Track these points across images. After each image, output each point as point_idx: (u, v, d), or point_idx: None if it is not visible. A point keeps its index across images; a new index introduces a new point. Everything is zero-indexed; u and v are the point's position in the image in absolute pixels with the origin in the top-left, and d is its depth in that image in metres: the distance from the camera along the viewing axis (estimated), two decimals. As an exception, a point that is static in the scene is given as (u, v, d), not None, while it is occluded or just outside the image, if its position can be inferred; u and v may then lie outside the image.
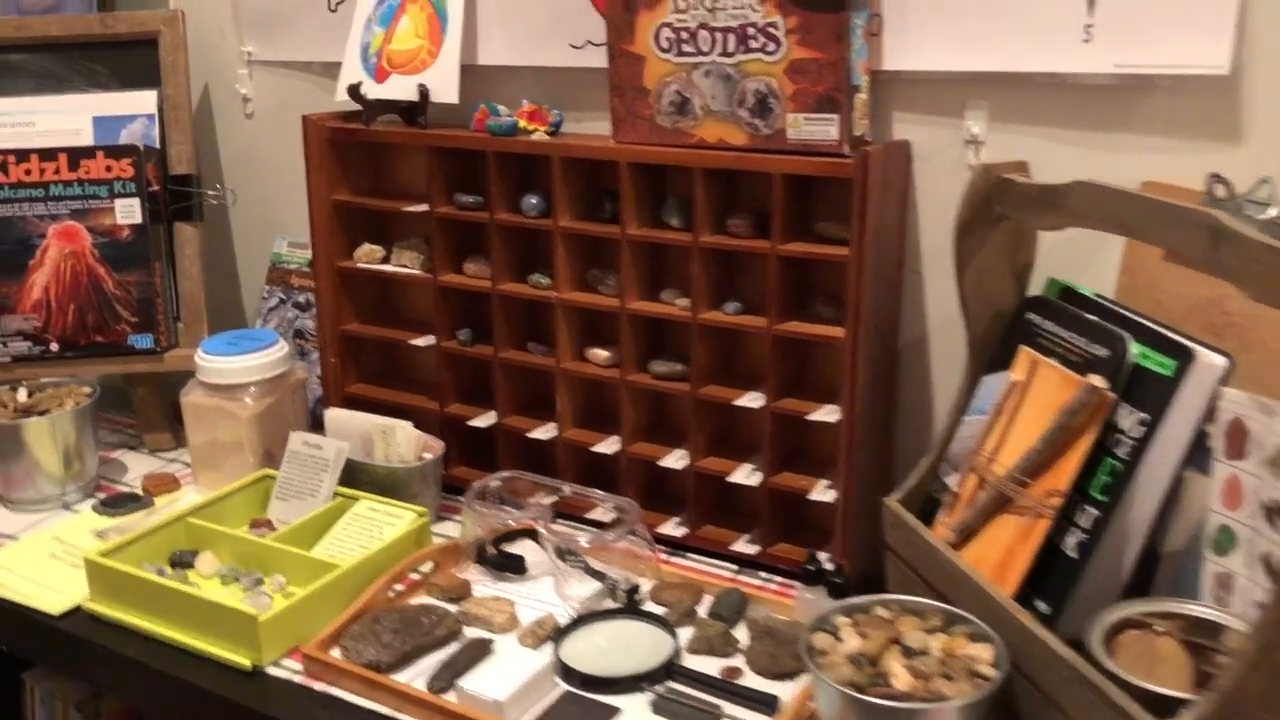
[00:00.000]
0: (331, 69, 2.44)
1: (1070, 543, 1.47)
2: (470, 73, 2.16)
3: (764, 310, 1.92)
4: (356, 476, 2.14)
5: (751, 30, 1.79)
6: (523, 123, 2.11)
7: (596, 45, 2.06)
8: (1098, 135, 1.70)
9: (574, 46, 2.09)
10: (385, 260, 2.32)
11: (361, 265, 2.32)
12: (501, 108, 2.14)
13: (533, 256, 2.20)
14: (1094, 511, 1.45)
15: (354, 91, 2.21)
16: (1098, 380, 1.43)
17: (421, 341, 2.27)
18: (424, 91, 2.14)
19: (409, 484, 2.13)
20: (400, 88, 2.19)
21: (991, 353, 1.67)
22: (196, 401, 2.28)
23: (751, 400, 1.93)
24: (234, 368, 2.24)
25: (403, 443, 2.15)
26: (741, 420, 2.04)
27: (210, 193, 2.54)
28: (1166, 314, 1.56)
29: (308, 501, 2.12)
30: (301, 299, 2.59)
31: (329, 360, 2.37)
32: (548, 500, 2.07)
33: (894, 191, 1.83)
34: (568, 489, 2.02)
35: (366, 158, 2.37)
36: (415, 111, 2.19)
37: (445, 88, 2.14)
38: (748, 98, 1.82)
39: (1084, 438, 1.45)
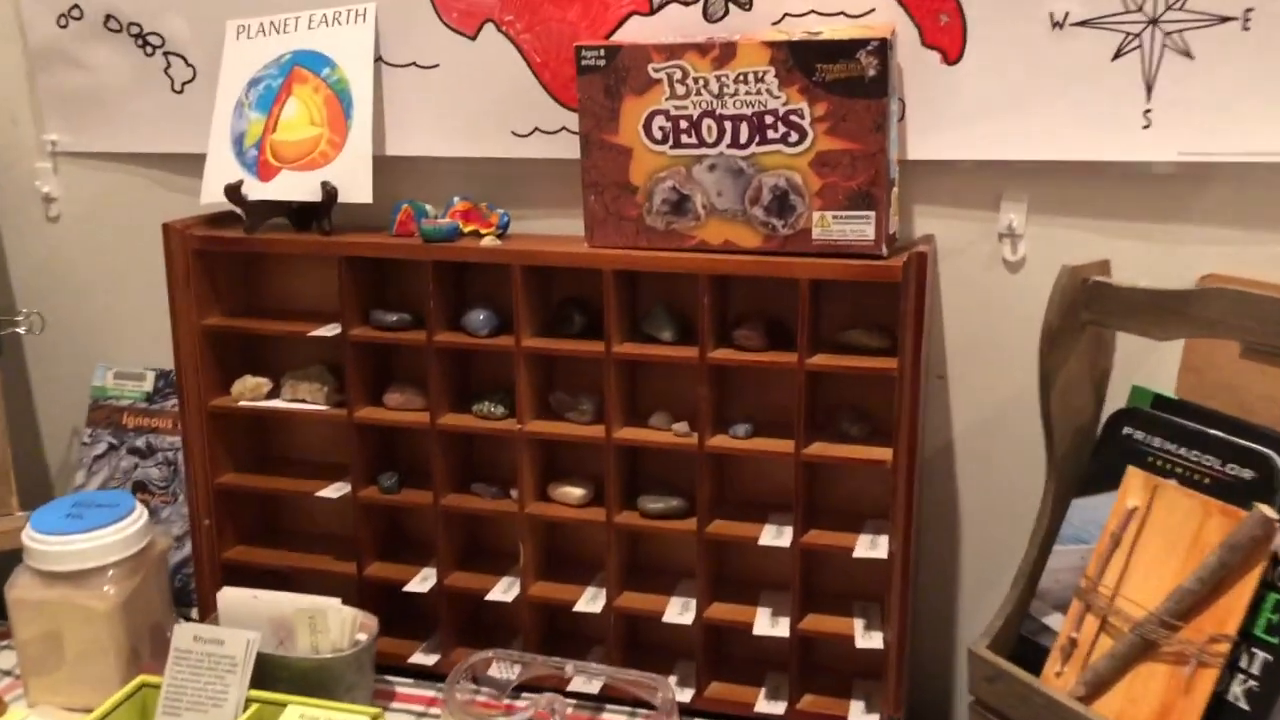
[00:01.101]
0: (175, 163, 1.99)
1: (1237, 692, 1.31)
2: (381, 166, 1.79)
3: (775, 430, 1.68)
4: (269, 674, 1.70)
5: (769, 119, 1.56)
6: (465, 225, 1.77)
7: (548, 133, 1.76)
8: (1150, 226, 1.58)
9: (518, 135, 1.77)
10: (274, 394, 1.89)
11: (244, 404, 1.87)
12: (429, 207, 1.79)
13: (468, 382, 1.86)
14: (1263, 655, 1.30)
15: (234, 193, 1.78)
16: (1269, 510, 1.28)
17: (331, 491, 1.85)
18: (330, 191, 1.76)
19: (342, 676, 1.72)
20: (295, 186, 1.79)
21: (1077, 472, 1.50)
22: (31, 596, 1.76)
23: (775, 537, 1.68)
24: (84, 548, 1.74)
25: (334, 626, 1.73)
26: (752, 557, 1.78)
27: (10, 319, 2.01)
28: (1258, 416, 1.44)
29: (211, 715, 1.66)
30: (141, 443, 2.09)
31: (200, 523, 1.91)
32: (565, 674, 1.72)
33: (921, 292, 1.65)
34: (570, 667, 1.68)
35: (241, 272, 1.94)
36: (317, 214, 1.79)
37: (355, 185, 1.77)
38: (763, 194, 1.58)
39: (1250, 573, 1.29)
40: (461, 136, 1.80)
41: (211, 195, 1.83)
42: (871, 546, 1.64)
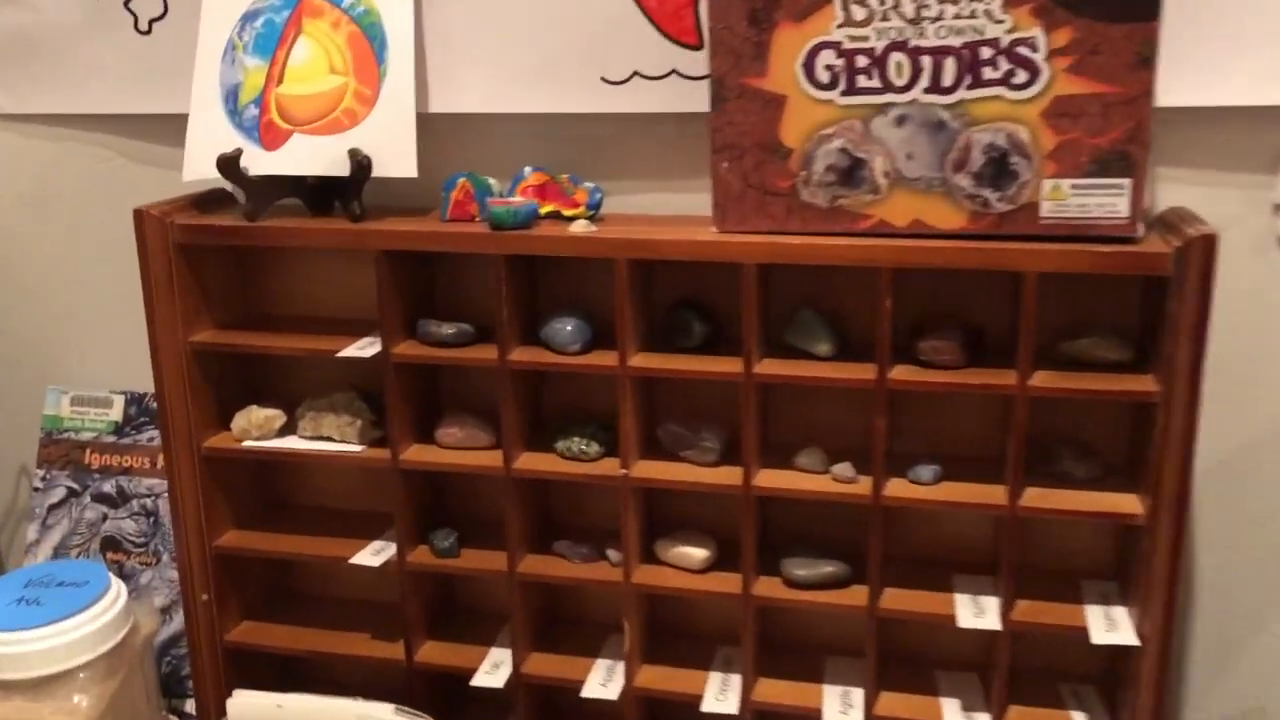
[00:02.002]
0: (144, 126, 1.53)
1: None
2: (423, 126, 1.34)
3: (963, 469, 1.27)
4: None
5: (987, 51, 1.13)
6: (542, 205, 1.33)
7: (652, 79, 1.31)
8: None
9: (609, 82, 1.33)
10: (287, 429, 1.44)
11: (250, 444, 1.43)
12: (492, 181, 1.34)
13: (543, 411, 1.42)
14: None
15: (230, 166, 1.32)
16: None
17: (370, 556, 1.41)
18: (362, 162, 1.30)
19: (399, 806, 1.29)
20: (312, 156, 1.33)
21: None
22: (-25, 711, 1.32)
23: (976, 614, 1.26)
24: (46, 647, 1.31)
25: (388, 743, 1.30)
26: (927, 630, 1.37)
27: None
28: None
29: None
30: (110, 487, 1.63)
31: (196, 598, 1.46)
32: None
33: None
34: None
35: (238, 270, 1.48)
36: (344, 193, 1.34)
37: (395, 154, 1.32)
38: (973, 156, 1.16)
39: None
40: (531, 85, 1.35)
41: (198, 170, 1.37)
42: (1109, 626, 1.23)
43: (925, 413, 1.31)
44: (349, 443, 1.40)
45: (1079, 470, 1.26)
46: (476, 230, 1.29)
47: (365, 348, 1.34)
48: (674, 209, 1.36)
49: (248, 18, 1.38)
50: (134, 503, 1.62)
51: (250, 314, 1.49)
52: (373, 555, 1.41)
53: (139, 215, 1.34)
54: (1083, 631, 1.23)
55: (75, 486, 1.65)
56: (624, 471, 1.31)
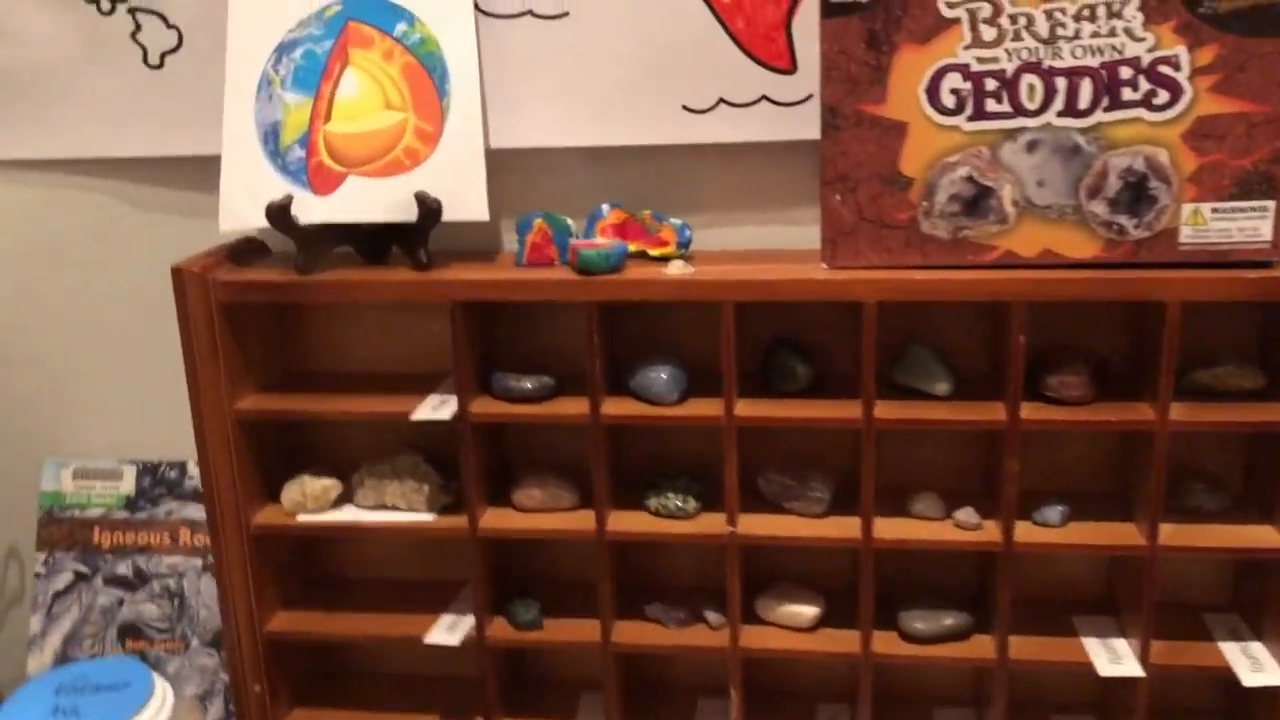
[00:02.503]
0: (157, 170, 1.38)
1: None
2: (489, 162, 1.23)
3: (1085, 507, 1.21)
4: None
5: (1126, 71, 1.06)
6: (647, 248, 1.22)
7: (739, 106, 1.22)
8: None
9: (691, 110, 1.23)
10: (343, 499, 1.31)
11: (304, 518, 1.29)
12: (569, 221, 1.24)
13: (623, 465, 1.32)
14: None
15: (282, 215, 1.19)
16: None
17: (444, 634, 1.29)
18: (432, 206, 1.18)
19: None
20: (372, 200, 1.21)
21: None
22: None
23: (1112, 660, 1.20)
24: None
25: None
26: (1052, 676, 1.30)
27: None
28: None
29: None
30: (125, 568, 1.48)
31: (248, 690, 1.32)
32: None
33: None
34: None
35: (275, 324, 1.35)
36: (409, 240, 1.22)
37: (464, 196, 1.20)
38: (1109, 181, 1.09)
39: None
40: (604, 116, 1.24)
41: (237, 219, 1.24)
42: (1254, 666, 1.18)
43: (1045, 449, 1.24)
44: (417, 511, 1.28)
45: (1211, 503, 1.20)
46: (562, 276, 1.18)
47: (439, 408, 1.22)
48: (763, 243, 1.27)
49: (284, 49, 1.24)
50: (154, 584, 1.47)
51: (291, 373, 1.35)
52: (448, 632, 1.29)
53: (178, 274, 1.20)
54: (1228, 672, 1.18)
55: (84, 569, 1.49)
56: (730, 529, 1.22)
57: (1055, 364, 1.17)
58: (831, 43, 1.09)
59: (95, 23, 1.31)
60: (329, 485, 1.29)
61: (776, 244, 1.27)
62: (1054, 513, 1.20)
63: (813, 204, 1.26)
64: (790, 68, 1.20)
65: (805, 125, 1.21)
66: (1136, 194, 1.09)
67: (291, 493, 1.29)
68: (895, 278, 1.13)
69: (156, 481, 1.48)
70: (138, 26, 1.31)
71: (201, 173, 1.34)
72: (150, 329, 1.42)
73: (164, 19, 1.31)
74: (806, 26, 1.18)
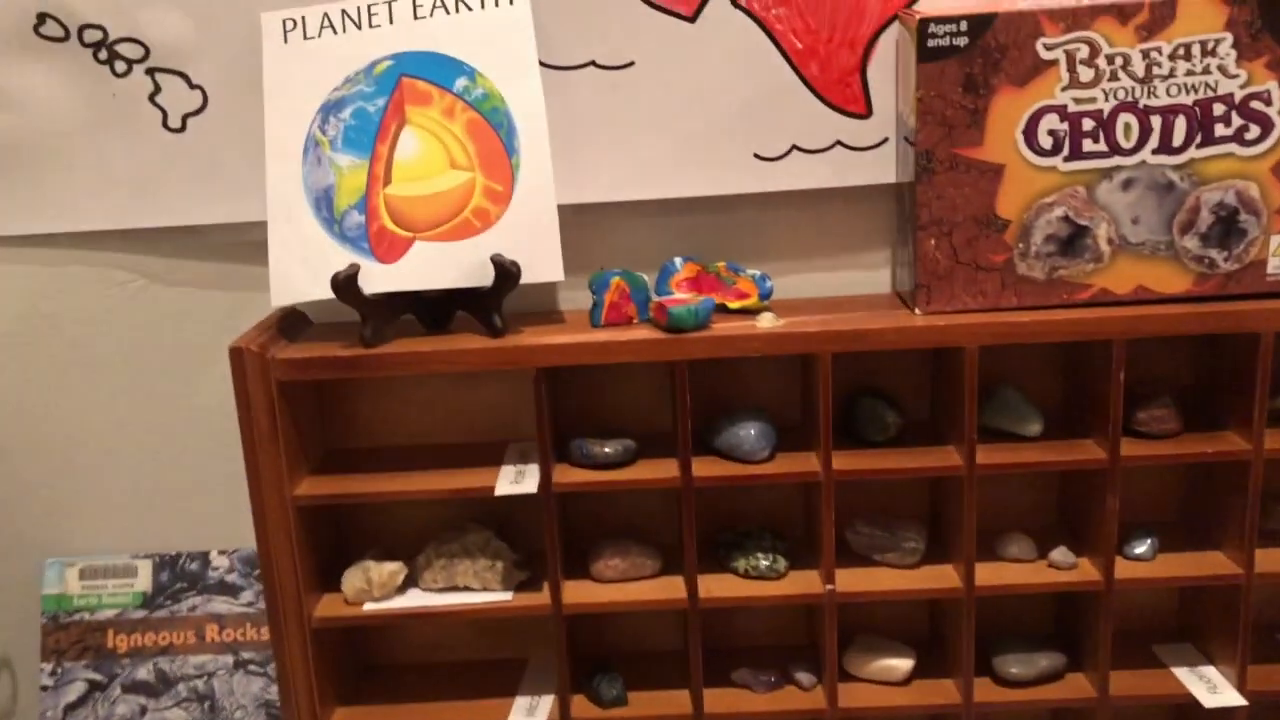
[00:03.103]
0: (182, 240, 1.28)
1: None
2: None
3: (1172, 537, 1.22)
4: None
5: (1220, 108, 1.07)
6: (726, 301, 1.18)
7: (813, 152, 1.20)
8: None
9: (764, 159, 1.20)
10: (408, 585, 1.23)
11: (370, 608, 1.20)
12: (643, 276, 1.19)
13: (706, 527, 1.27)
14: None
15: (347, 286, 1.11)
16: None
17: (523, 719, 1.22)
18: (510, 270, 1.12)
19: None
20: (444, 265, 1.14)
21: None
22: None
23: (1211, 691, 1.20)
24: None
25: None
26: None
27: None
28: None
29: None
30: (146, 672, 1.35)
31: (310, 798, 1.22)
32: None
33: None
34: None
35: (326, 400, 1.26)
36: (481, 305, 1.15)
37: (539, 256, 1.14)
38: (1201, 217, 1.10)
39: None
40: (672, 167, 1.20)
41: (290, 291, 1.15)
42: (1350, 683, 1.20)
43: (1130, 482, 1.24)
44: (492, 590, 1.21)
45: (1292, 527, 1.22)
46: (648, 335, 1.14)
47: (521, 480, 1.16)
48: (836, 289, 1.25)
49: (330, 109, 1.17)
50: (180, 687, 1.35)
51: (341, 450, 1.27)
52: (528, 717, 1.22)
53: (237, 354, 1.11)
54: (1326, 696, 1.19)
55: (99, 678, 1.36)
56: (829, 588, 1.18)
57: (1143, 398, 1.18)
58: (928, 87, 1.08)
59: (109, 85, 1.21)
60: (394, 570, 1.21)
61: (849, 289, 1.25)
62: (1145, 546, 1.21)
63: (885, 248, 1.24)
64: (865, 112, 1.18)
65: (880, 169, 1.20)
66: (1227, 228, 1.10)
67: (355, 580, 1.20)
68: (994, 321, 1.12)
69: (176, 575, 1.36)
70: (157, 88, 1.22)
71: (229, 242, 1.26)
72: (163, 411, 1.31)
73: (186, 79, 1.21)
74: (882, 70, 1.17)
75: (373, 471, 1.21)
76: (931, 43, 1.07)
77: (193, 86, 1.22)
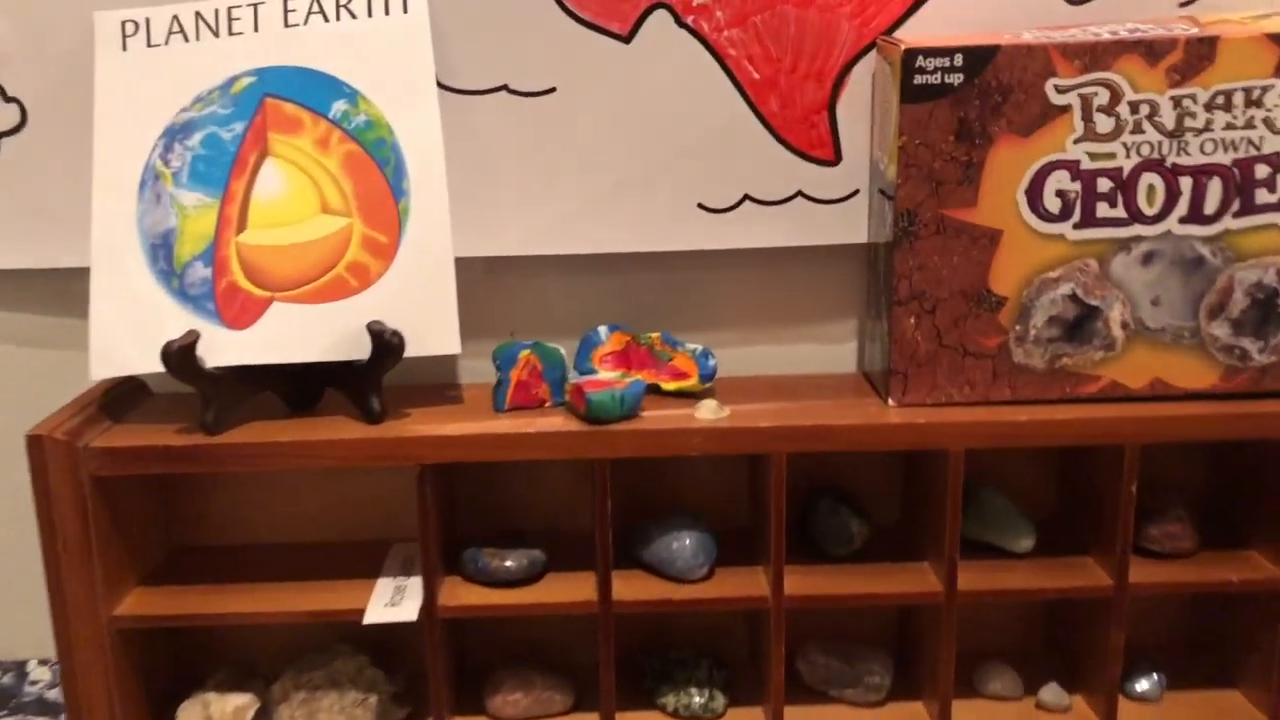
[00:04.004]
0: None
1: None
2: (451, 279, 0.96)
3: (1188, 675, 1.03)
4: None
5: (1263, 169, 0.88)
6: (660, 381, 0.97)
7: (770, 204, 0.99)
8: None
9: (709, 209, 0.99)
10: (262, 717, 1.00)
11: (212, 750, 0.97)
12: (560, 350, 0.97)
13: (630, 649, 1.05)
14: None
15: (183, 360, 0.88)
16: None
17: None
18: (391, 342, 0.90)
19: None
20: (304, 335, 0.91)
21: None
22: None
23: None
24: None
25: None
26: None
27: None
28: None
29: None
30: (-57, 812, 1.10)
31: None
32: None
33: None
34: None
35: (160, 491, 1.03)
36: (358, 383, 0.93)
37: (431, 324, 0.92)
38: (1234, 299, 0.91)
39: None
40: (595, 216, 0.99)
41: (112, 362, 0.91)
42: None
43: (1133, 606, 1.05)
44: (365, 732, 0.98)
45: (1323, 662, 1.04)
46: (561, 425, 0.92)
47: (398, 602, 0.93)
48: (793, 365, 1.04)
49: (175, 134, 0.94)
50: (-16, 829, 1.11)
51: (185, 549, 1.03)
52: None
53: (37, 443, 0.87)
54: None
55: (-117, 816, 1.11)
56: (778, 732, 0.97)
57: (1155, 511, 0.98)
58: (912, 133, 0.88)
59: (-101, 93, 0.98)
60: (242, 705, 0.98)
61: (808, 367, 1.04)
62: (1149, 683, 1.02)
63: (852, 318, 1.04)
64: (833, 158, 0.98)
65: (849, 227, 1.00)
66: (1264, 313, 0.91)
67: (192, 716, 0.97)
68: (984, 419, 0.92)
69: (-17, 693, 1.12)
70: (-39, 99, 0.98)
71: (51, 292, 1.02)
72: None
73: (1, 90, 0.98)
74: (855, 108, 0.97)
75: (222, 580, 0.98)
76: (919, 79, 0.87)
77: (8, 99, 0.98)
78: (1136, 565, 0.96)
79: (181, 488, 1.04)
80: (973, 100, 0.87)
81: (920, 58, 0.86)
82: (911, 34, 0.94)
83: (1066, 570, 0.98)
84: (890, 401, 0.94)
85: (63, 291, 1.02)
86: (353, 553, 1.02)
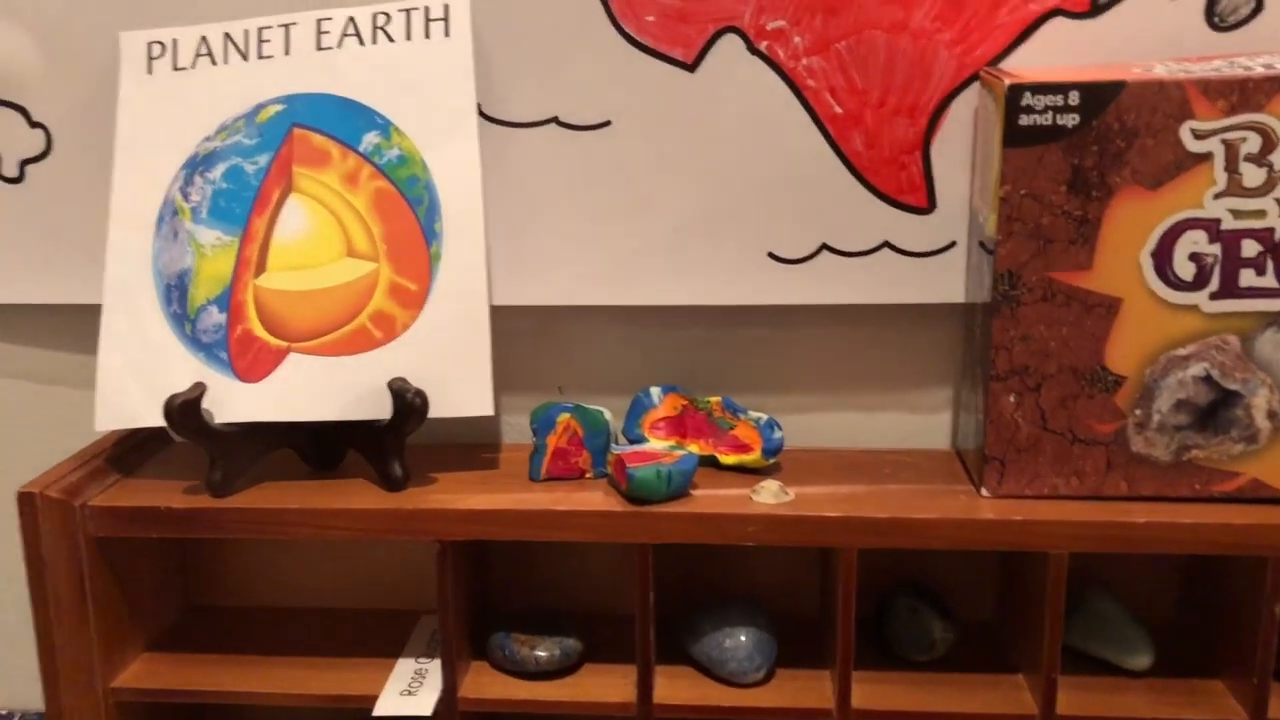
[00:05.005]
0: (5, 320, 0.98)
1: None
2: (490, 331, 0.86)
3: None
4: None
5: None
6: (717, 453, 0.86)
7: (849, 255, 0.87)
8: None
9: (780, 259, 0.88)
10: (270, 804, 0.92)
11: (213, 837, 0.89)
12: (605, 414, 0.87)
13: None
14: None
15: (186, 415, 0.80)
16: None
17: None
18: (413, 402, 0.80)
19: None
20: (321, 391, 0.83)
21: None
22: None
23: None
24: None
25: None
26: None
27: None
28: None
29: None
30: None
31: None
32: None
33: None
34: None
35: (166, 555, 0.96)
36: (374, 444, 0.84)
37: (461, 382, 0.82)
38: None
39: None
40: (651, 264, 0.88)
41: (118, 414, 0.84)
42: None
43: None
44: (378, 826, 0.89)
45: None
46: (601, 503, 0.81)
47: (415, 693, 0.84)
48: (873, 437, 0.91)
49: (197, 164, 0.86)
50: None
51: (197, 609, 0.96)
52: None
53: (28, 501, 0.80)
54: None
55: None
56: None
57: None
58: (1017, 182, 0.75)
59: (-78, 117, 0.93)
60: (250, 788, 0.90)
61: (890, 439, 0.92)
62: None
63: (944, 385, 0.91)
64: (926, 205, 0.85)
65: (943, 283, 0.87)
66: None
67: (195, 799, 0.89)
68: (1094, 519, 0.78)
69: (2, 742, 1.06)
70: (-14, 123, 0.93)
71: (75, 327, 0.96)
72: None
73: (25, 114, 0.92)
74: (953, 148, 0.84)
75: (236, 648, 0.91)
76: (1026, 119, 0.74)
77: (34, 125, 0.92)
78: (1279, 697, 0.81)
79: (198, 543, 0.96)
80: (1090, 145, 0.74)
81: (1028, 94, 0.73)
82: (1021, 65, 0.81)
83: (1190, 696, 0.83)
84: (984, 491, 0.81)
85: (90, 327, 0.96)
86: (378, 622, 0.94)
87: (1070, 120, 0.73)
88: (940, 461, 0.88)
